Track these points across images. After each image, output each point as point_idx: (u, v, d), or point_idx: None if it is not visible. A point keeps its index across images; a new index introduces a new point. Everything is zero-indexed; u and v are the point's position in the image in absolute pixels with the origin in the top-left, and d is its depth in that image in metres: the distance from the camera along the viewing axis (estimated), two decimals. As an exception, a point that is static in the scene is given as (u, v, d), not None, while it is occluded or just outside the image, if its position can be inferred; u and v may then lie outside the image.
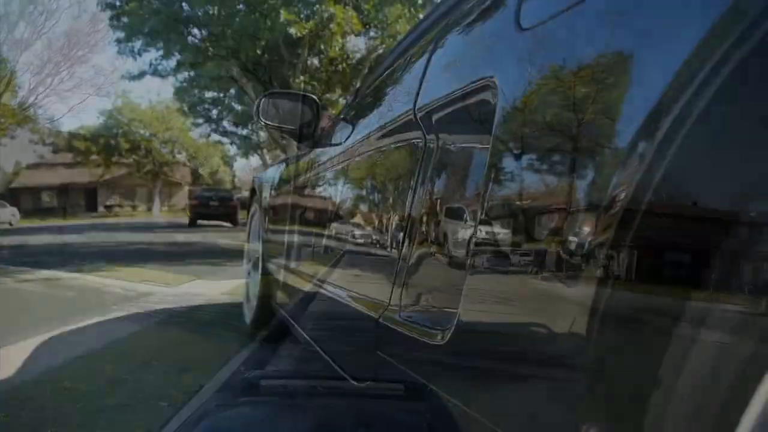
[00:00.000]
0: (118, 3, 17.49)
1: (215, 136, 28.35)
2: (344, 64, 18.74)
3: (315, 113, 2.04)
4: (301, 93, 2.15)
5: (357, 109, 1.55)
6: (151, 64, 18.08)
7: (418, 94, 1.00)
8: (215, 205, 22.26)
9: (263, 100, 2.03)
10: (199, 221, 22.16)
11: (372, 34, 18.98)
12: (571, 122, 0.59)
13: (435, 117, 0.93)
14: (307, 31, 15.36)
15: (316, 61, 18.72)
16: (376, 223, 1.22)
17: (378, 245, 1.21)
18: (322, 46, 16.03)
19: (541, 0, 0.67)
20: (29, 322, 3.09)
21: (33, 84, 40.22)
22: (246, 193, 36.93)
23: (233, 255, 7.93)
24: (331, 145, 1.70)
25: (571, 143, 0.59)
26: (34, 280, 5.23)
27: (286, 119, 1.99)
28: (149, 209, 52.88)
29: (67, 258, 6.89)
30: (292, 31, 15.27)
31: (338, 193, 1.50)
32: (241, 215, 24.05)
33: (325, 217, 1.65)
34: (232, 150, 30.75)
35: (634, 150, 0.49)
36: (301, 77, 18.02)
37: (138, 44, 17.42)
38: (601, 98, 0.56)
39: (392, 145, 1.15)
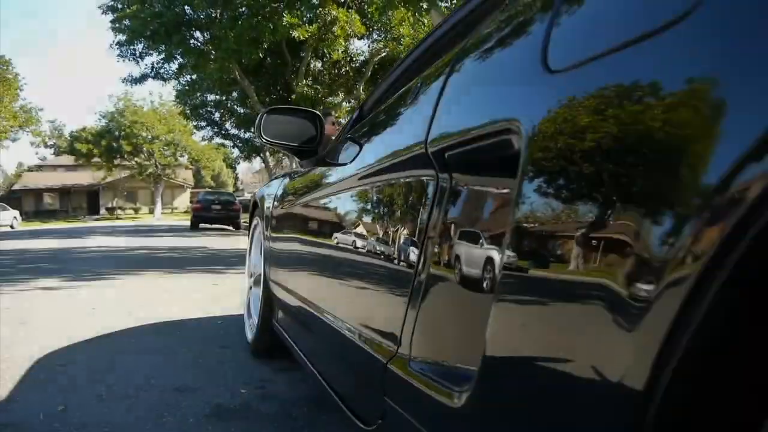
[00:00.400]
0: (120, 6, 17.48)
1: (217, 139, 28.30)
2: (347, 67, 18.70)
3: (318, 129, 1.96)
4: (303, 109, 2.07)
5: (363, 129, 1.47)
6: (152, 68, 18.03)
7: (430, 125, 0.91)
8: (217, 208, 22.16)
9: (264, 116, 1.96)
10: (202, 225, 22.10)
11: (375, 36, 18.94)
12: (603, 172, 0.53)
13: (449, 155, 0.85)
14: (309, 34, 15.31)
15: (319, 64, 18.67)
16: (383, 256, 1.13)
17: (386, 281, 1.13)
18: (325, 50, 15.98)
19: (572, 42, 0.59)
20: None
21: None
22: (248, 195, 37.59)
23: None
24: (335, 165, 1.62)
25: (604, 194, 0.53)
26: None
27: (288, 136, 1.92)
28: (151, 211, 52.93)
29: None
30: (295, 34, 15.21)
31: (343, 218, 1.41)
32: (244, 218, 23.99)
33: (329, 241, 1.57)
34: (235, 152, 30.72)
35: (664, 200, 0.46)
36: (304, 80, 17.98)
37: (140, 47, 17.38)
38: (635, 148, 0.51)
39: (401, 178, 1.07)
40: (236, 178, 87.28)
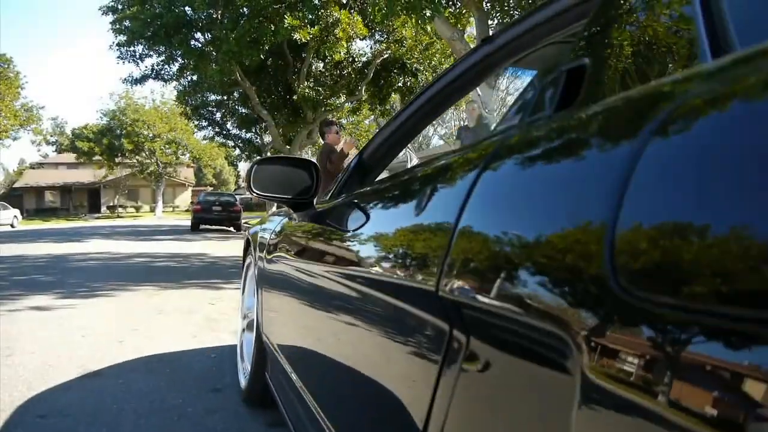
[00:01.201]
0: (120, 6, 17.34)
1: (219, 139, 28.17)
2: (350, 69, 18.53)
3: (314, 179, 1.80)
4: (297, 158, 1.91)
5: (369, 195, 1.31)
6: (153, 69, 17.89)
7: (441, 271, 0.74)
8: (218, 210, 22.01)
9: (255, 168, 1.80)
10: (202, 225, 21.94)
11: (378, 37, 18.77)
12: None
13: (466, 313, 0.68)
14: (311, 36, 15.16)
15: (320, 65, 18.50)
16: (382, 370, 0.98)
17: (386, 394, 0.97)
18: (327, 53, 15.81)
19: (644, 267, 0.43)
20: None
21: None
22: (247, 194, 36.95)
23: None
24: (335, 228, 1.46)
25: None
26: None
27: (281, 187, 1.76)
28: (152, 210, 52.85)
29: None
30: (297, 36, 15.06)
31: (343, 302, 1.26)
32: (245, 217, 23.84)
33: (323, 318, 1.42)
34: (237, 150, 30.58)
35: None
36: (306, 82, 17.82)
37: (140, 48, 17.23)
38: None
39: (406, 318, 0.89)
40: (238, 176, 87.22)
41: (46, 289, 5.98)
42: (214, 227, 22.48)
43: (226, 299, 5.46)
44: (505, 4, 7.35)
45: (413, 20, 7.12)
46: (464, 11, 8.30)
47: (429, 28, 7.29)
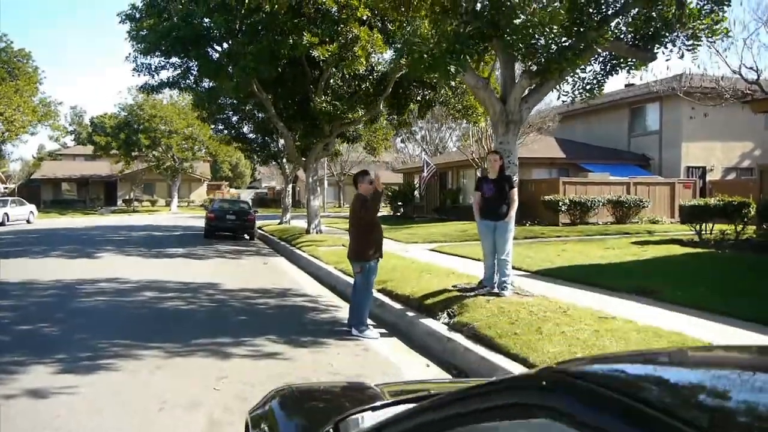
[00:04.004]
0: (137, 15, 17.11)
1: (235, 144, 28.03)
2: (367, 83, 18.17)
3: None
4: None
5: None
6: (168, 81, 17.67)
7: None
8: (232, 219, 21.81)
9: None
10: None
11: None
12: None
13: None
14: (330, 54, 14.83)
15: (338, 79, 18.14)
16: None
17: None
18: (345, 71, 15.49)
19: None
20: None
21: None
22: (265, 187, 37.95)
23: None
24: None
25: None
26: None
27: None
28: (167, 204, 52.95)
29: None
30: (315, 54, 14.76)
31: None
32: (259, 223, 23.67)
33: None
34: (253, 155, 30.42)
35: None
36: (323, 96, 17.50)
37: (156, 61, 17.00)
38: None
39: None
40: (254, 169, 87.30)
41: (49, 353, 5.76)
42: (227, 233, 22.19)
43: (234, 378, 5.18)
44: (531, 44, 6.98)
45: (438, 77, 6.78)
46: (490, 50, 7.94)
47: (455, 83, 6.93)
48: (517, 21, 6.01)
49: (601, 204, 20.72)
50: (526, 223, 19.93)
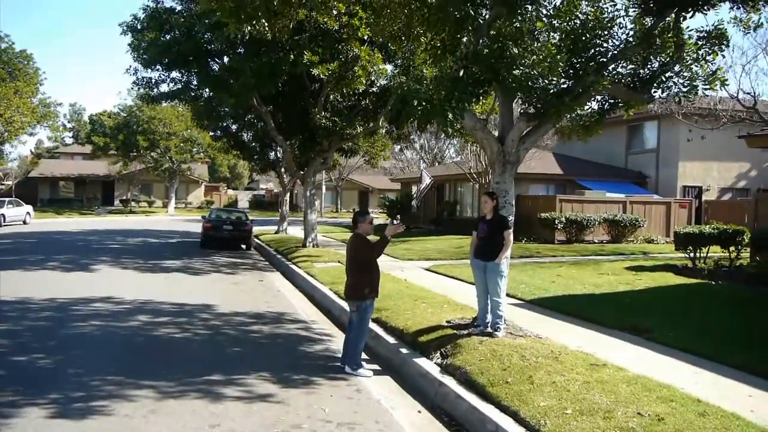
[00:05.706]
0: (139, 26, 17.13)
1: (234, 152, 28.00)
2: (367, 99, 18.21)
3: None
4: None
5: None
6: (167, 93, 17.71)
7: None
8: (229, 229, 21.74)
9: None
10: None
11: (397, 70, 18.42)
12: None
13: None
14: (330, 72, 14.88)
15: (338, 96, 18.17)
16: None
17: None
18: (345, 90, 15.53)
19: None
20: None
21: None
22: (262, 189, 37.79)
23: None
24: None
25: None
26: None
27: None
28: (165, 206, 52.91)
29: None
30: (315, 72, 14.81)
31: None
32: (257, 232, 23.67)
33: None
34: (252, 164, 30.43)
35: None
36: (323, 112, 17.53)
37: (155, 75, 17.03)
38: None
39: None
40: (252, 170, 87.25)
41: (42, 392, 5.78)
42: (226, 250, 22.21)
43: (226, 427, 5.21)
44: (530, 87, 7.03)
45: (436, 123, 6.84)
46: (490, 91, 7.98)
47: (457, 126, 6.99)
48: (516, 72, 6.07)
49: (597, 222, 20.83)
50: (523, 240, 20.03)
